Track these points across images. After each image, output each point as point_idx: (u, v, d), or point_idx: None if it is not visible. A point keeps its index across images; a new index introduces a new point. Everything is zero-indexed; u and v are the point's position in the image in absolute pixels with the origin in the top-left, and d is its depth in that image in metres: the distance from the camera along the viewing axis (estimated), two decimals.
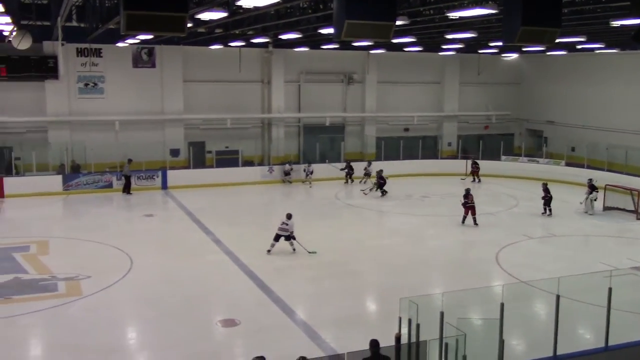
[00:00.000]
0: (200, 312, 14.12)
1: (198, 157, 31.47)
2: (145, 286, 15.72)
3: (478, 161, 31.76)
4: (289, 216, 18.43)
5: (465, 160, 33.20)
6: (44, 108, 29.34)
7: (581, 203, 24.86)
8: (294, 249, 18.24)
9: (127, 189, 27.40)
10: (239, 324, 13.23)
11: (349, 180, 30.45)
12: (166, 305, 14.41)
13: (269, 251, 18.17)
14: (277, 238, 18.25)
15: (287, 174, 30.22)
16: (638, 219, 23.88)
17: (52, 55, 28.15)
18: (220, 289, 15.70)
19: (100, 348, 12.04)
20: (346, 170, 30.44)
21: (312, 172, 30.36)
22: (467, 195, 22.33)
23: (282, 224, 18.36)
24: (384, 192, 27.32)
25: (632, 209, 24.40)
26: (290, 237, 18.25)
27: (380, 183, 27.49)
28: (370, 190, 27.62)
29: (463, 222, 22.15)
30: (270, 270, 16.94)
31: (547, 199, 24.10)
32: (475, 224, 21.92)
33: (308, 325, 13.31)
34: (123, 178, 27.53)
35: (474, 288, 14.41)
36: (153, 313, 14.01)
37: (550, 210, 24.05)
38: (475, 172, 31.51)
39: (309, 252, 18.24)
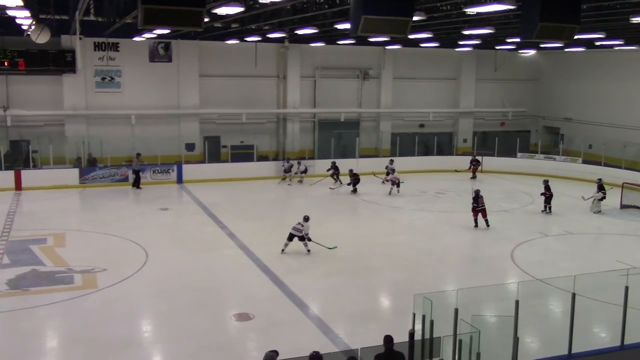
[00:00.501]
0: (215, 305, 14.19)
1: (213, 151, 31.58)
2: (161, 279, 15.82)
3: (479, 158, 31.51)
4: (306, 218, 18.12)
5: (479, 157, 33.06)
6: (61, 102, 29.57)
7: (584, 199, 24.56)
8: (308, 250, 17.94)
9: (136, 183, 27.55)
10: (253, 318, 13.28)
11: (338, 182, 28.87)
12: (181, 299, 14.49)
13: (282, 251, 17.99)
14: (290, 237, 18.03)
15: (286, 171, 29.78)
16: None
17: (70, 50, 28.34)
18: (234, 283, 15.76)
19: (115, 341, 12.14)
20: (332, 171, 29.19)
21: (305, 171, 29.56)
22: (477, 198, 21.62)
23: (297, 224, 18.10)
24: (355, 190, 27.22)
25: None
26: (304, 238, 17.97)
27: (353, 181, 27.22)
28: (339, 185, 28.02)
29: (476, 225, 21.66)
30: (284, 265, 16.98)
31: (548, 197, 23.74)
32: (487, 225, 21.55)
33: (321, 320, 13.33)
34: (133, 173, 27.71)
35: (488, 285, 14.36)
36: (168, 306, 14.10)
37: (550, 208, 23.75)
38: (474, 169, 31.23)
39: (330, 248, 18.13)
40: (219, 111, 32.36)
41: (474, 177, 31.06)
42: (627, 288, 10.44)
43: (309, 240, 18.00)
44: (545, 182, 24.13)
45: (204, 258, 17.63)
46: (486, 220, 21.50)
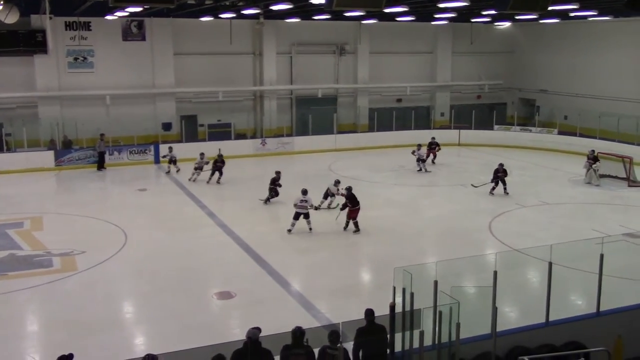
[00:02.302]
0: (196, 285, 14.20)
1: (190, 130, 31.35)
2: (140, 260, 15.77)
3: (438, 142, 28.61)
4: (305, 191, 17.94)
5: (457, 130, 33.27)
6: (34, 83, 29.07)
7: (585, 169, 24.78)
8: (310, 229, 17.81)
9: (100, 165, 27.28)
10: (234, 297, 13.32)
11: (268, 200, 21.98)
12: (161, 279, 14.48)
13: (289, 231, 17.69)
14: (297, 216, 17.69)
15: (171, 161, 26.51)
16: (630, 186, 24.03)
17: (40, 29, 27.80)
18: (215, 262, 15.76)
19: (97, 323, 12.11)
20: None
21: (175, 161, 26.30)
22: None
23: (300, 202, 17.72)
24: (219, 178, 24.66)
25: (624, 176, 24.55)
26: (308, 215, 17.79)
27: (218, 166, 24.63)
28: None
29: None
30: (264, 243, 17.00)
31: (501, 178, 22.58)
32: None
33: (303, 296, 13.42)
34: (97, 155, 27.40)
35: (467, 257, 14.52)
36: (148, 287, 14.08)
37: (493, 189, 22.59)
38: (434, 151, 28.24)
39: (333, 208, 19.14)
40: (195, 90, 32.06)
41: (433, 162, 28.17)
42: (602, 256, 10.62)
43: (317, 209, 18.58)
44: (501, 166, 22.84)
45: (184, 238, 17.59)
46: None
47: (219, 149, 25.32)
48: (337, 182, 20.25)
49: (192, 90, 32.05)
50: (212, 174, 24.53)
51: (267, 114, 33.45)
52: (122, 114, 29.71)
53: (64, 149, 27.96)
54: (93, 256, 15.78)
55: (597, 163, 24.52)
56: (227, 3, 22.71)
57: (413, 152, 26.91)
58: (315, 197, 19.19)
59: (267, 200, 21.47)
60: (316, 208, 18.54)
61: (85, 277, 14.56)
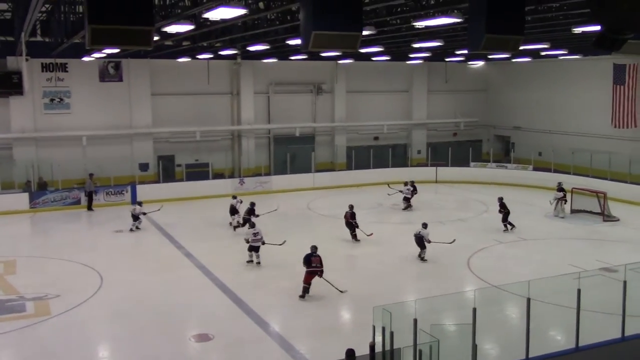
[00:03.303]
0: (173, 327, 13.96)
1: (167, 171, 31.21)
2: (116, 303, 15.48)
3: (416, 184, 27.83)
4: (253, 225, 18.78)
5: (434, 168, 33.57)
6: (9, 124, 28.81)
7: (551, 203, 25.30)
8: (258, 262, 18.49)
9: (90, 205, 27.11)
10: (212, 339, 13.11)
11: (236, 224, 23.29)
12: (138, 322, 14.22)
13: (250, 261, 18.53)
14: (251, 249, 18.51)
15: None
16: (604, 220, 24.34)
17: (16, 71, 27.72)
18: (192, 304, 15.54)
19: None
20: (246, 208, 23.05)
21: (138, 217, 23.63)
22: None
23: (253, 235, 18.45)
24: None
25: (598, 211, 24.87)
26: (258, 248, 18.48)
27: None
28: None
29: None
30: (242, 283, 16.84)
31: (505, 214, 22.99)
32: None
33: (282, 337, 13.26)
34: (86, 195, 27.24)
35: (446, 294, 14.52)
36: (125, 331, 13.81)
37: (510, 224, 22.87)
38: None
39: (280, 244, 18.80)
40: (172, 130, 32.04)
41: (408, 206, 27.25)
42: (579, 291, 10.71)
43: (263, 244, 18.53)
44: (500, 200, 23.32)
45: (161, 279, 17.35)
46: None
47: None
48: (234, 197, 23.48)
49: (169, 131, 32.02)
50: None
51: (245, 153, 33.48)
52: (99, 155, 29.53)
53: (39, 191, 27.63)
54: (67, 300, 15.47)
55: (561, 192, 25.17)
56: (205, 44, 22.90)
57: (405, 185, 27.33)
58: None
59: (236, 227, 22.61)
60: (263, 243, 18.63)
61: (60, 322, 14.25)
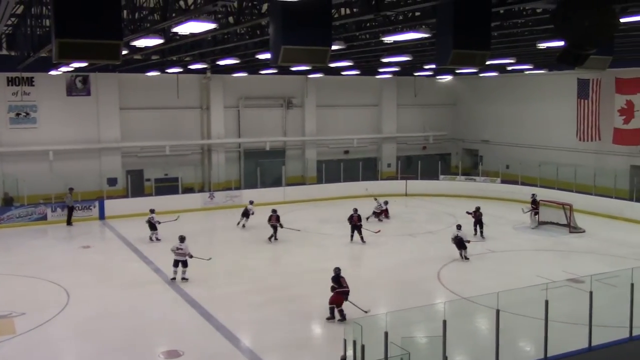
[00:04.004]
0: (142, 344, 13.77)
1: (136, 185, 30.88)
2: (84, 321, 15.22)
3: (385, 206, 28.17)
4: (182, 239, 18.39)
5: (404, 181, 33.80)
6: None
7: (524, 212, 26.02)
8: (185, 278, 18.15)
9: (69, 220, 26.87)
10: (182, 355, 12.95)
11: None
12: (106, 340, 13.98)
13: (173, 279, 18.15)
14: (176, 264, 18.18)
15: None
16: (571, 232, 24.76)
17: None
18: (162, 320, 15.36)
19: None
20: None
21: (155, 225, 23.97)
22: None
23: (177, 249, 18.22)
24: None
25: (565, 223, 25.30)
26: (186, 263, 18.15)
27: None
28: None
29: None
30: (212, 298, 16.69)
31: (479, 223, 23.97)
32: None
33: (254, 352, 13.17)
34: (66, 209, 27.01)
35: (417, 307, 14.57)
36: (93, 348, 13.57)
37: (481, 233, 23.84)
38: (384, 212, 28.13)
39: (207, 260, 18.67)
40: (141, 144, 31.74)
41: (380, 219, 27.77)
42: (547, 302, 10.86)
43: (191, 257, 18.25)
44: (477, 209, 24.29)
45: (130, 296, 17.12)
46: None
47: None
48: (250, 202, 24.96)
49: (138, 145, 31.72)
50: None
51: (215, 167, 33.32)
52: (66, 170, 29.09)
53: (4, 207, 27.09)
54: (33, 318, 15.15)
55: (530, 206, 25.88)
56: (174, 58, 22.82)
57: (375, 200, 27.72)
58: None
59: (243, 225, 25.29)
60: (190, 256, 18.32)
61: (25, 341, 13.93)
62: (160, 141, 31.75)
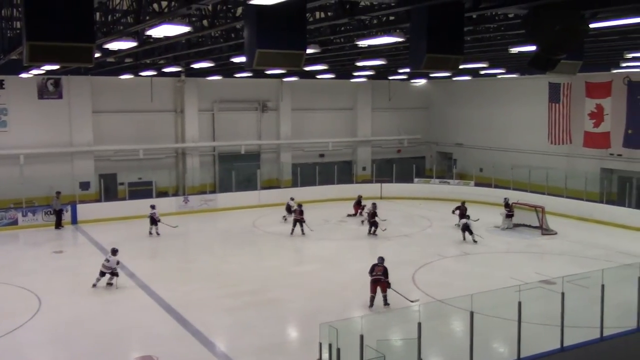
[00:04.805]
0: (116, 350, 13.61)
1: (110, 189, 30.54)
2: (56, 327, 15.00)
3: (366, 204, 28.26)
4: (114, 251, 17.97)
5: (379, 184, 33.94)
6: None
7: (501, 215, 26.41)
8: (109, 283, 17.84)
9: (58, 223, 26.61)
10: None
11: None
12: (79, 346, 13.80)
13: (94, 285, 17.75)
14: (102, 274, 17.83)
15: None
16: (543, 234, 25.09)
17: None
18: (136, 325, 15.20)
19: None
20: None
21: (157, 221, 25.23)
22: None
23: (105, 261, 17.92)
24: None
25: (537, 225, 25.63)
26: (114, 274, 17.81)
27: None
28: None
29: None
30: (187, 303, 16.56)
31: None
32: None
33: (229, 357, 13.10)
34: (54, 213, 26.81)
35: (392, 309, 14.64)
36: (64, 355, 13.40)
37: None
38: (360, 211, 28.90)
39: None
40: (115, 148, 31.43)
41: (354, 214, 29.04)
42: (519, 303, 10.99)
43: (115, 275, 17.81)
44: (462, 204, 25.91)
45: (103, 301, 16.93)
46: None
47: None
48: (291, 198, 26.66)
49: (111, 149, 31.40)
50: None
51: (189, 171, 33.11)
52: (37, 174, 28.66)
53: None
54: (3, 325, 14.87)
55: (505, 209, 26.36)
56: (148, 61, 22.64)
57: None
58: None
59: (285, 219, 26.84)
60: (116, 275, 17.89)
61: None
62: (134, 145, 31.47)
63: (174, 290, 17.59)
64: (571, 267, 19.23)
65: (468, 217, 24.53)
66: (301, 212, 25.16)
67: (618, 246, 22.78)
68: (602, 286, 12.13)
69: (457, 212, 25.55)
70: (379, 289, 16.02)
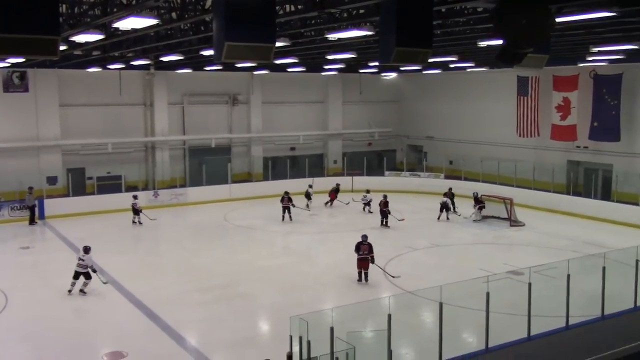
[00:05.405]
0: (85, 346, 13.47)
1: (78, 184, 30.08)
2: (23, 324, 14.77)
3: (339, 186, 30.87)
4: (87, 249, 16.81)
5: (350, 177, 34.07)
6: None
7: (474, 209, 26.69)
8: (83, 291, 16.68)
9: (32, 219, 26.24)
10: (126, 356, 12.74)
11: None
12: (47, 343, 13.63)
13: (69, 291, 16.65)
14: (76, 276, 16.65)
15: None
16: (511, 225, 25.46)
17: None
18: (105, 321, 15.06)
19: None
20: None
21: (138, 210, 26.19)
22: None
23: (78, 260, 16.81)
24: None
25: (506, 216, 26.00)
26: (89, 275, 16.67)
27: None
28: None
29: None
30: (157, 298, 16.45)
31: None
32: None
33: (199, 351, 13.06)
34: (27, 208, 26.42)
35: (362, 301, 14.74)
36: (33, 353, 13.21)
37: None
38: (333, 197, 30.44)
39: (104, 283, 16.88)
40: (83, 142, 30.96)
41: (330, 203, 30.31)
42: (488, 294, 11.15)
43: (94, 272, 16.75)
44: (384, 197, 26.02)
45: (71, 297, 16.69)
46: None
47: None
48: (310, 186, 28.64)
49: (79, 143, 30.92)
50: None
51: (159, 165, 32.78)
52: (3, 169, 28.11)
53: None
54: None
55: (476, 203, 26.87)
56: (116, 54, 22.32)
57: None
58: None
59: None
60: (94, 271, 16.76)
61: None
62: (103, 138, 31.05)
63: (144, 285, 17.44)
64: (538, 258, 19.57)
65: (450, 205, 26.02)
66: (289, 200, 26.38)
67: (584, 237, 23.24)
68: (568, 276, 12.37)
69: (445, 197, 27.12)
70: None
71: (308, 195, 29.23)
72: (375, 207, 26.93)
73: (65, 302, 16.24)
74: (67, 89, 30.62)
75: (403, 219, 25.55)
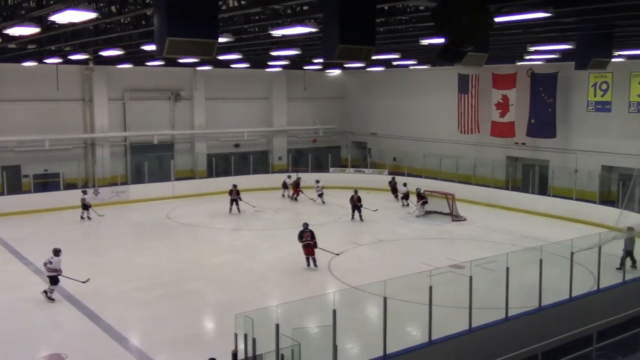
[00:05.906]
0: (22, 349, 13.05)
1: (13, 182, 29.07)
2: None
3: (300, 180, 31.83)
4: (56, 252, 16.27)
5: (295, 174, 34.08)
6: None
7: (415, 205, 27.18)
8: (50, 298, 15.94)
9: None
10: (66, 358, 12.41)
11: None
12: None
13: (51, 299, 15.96)
14: (52, 281, 16.08)
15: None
16: (453, 220, 25.99)
17: None
18: (43, 322, 14.64)
19: None
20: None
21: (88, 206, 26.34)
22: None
23: (46, 263, 16.18)
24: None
25: (448, 212, 26.51)
26: (56, 280, 16.07)
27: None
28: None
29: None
30: (98, 298, 16.08)
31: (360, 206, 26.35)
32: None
33: (142, 351, 12.85)
34: None
35: (308, 297, 14.76)
36: None
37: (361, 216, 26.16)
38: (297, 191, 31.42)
39: (83, 282, 16.43)
40: (18, 138, 29.89)
41: (295, 198, 31.15)
42: (430, 288, 11.36)
43: (60, 274, 16.12)
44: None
45: (7, 299, 16.17)
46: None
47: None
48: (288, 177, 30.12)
49: (14, 139, 29.85)
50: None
51: (99, 162, 31.99)
52: None
53: None
54: None
55: (419, 200, 27.43)
56: (53, 48, 21.64)
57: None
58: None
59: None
60: (60, 273, 16.14)
61: None
62: (39, 135, 30.06)
63: (84, 285, 16.98)
64: (479, 252, 20.01)
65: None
66: (237, 192, 27.31)
67: (522, 230, 23.93)
68: (507, 269, 12.72)
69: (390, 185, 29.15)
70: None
71: (298, 184, 30.82)
72: (346, 203, 26.96)
73: (0, 304, 15.67)
74: (2, 83, 29.52)
75: (376, 210, 26.75)
